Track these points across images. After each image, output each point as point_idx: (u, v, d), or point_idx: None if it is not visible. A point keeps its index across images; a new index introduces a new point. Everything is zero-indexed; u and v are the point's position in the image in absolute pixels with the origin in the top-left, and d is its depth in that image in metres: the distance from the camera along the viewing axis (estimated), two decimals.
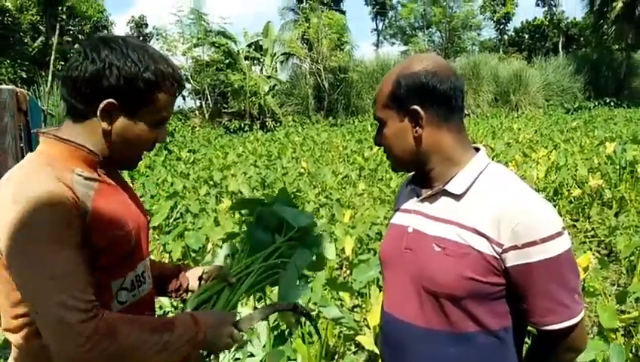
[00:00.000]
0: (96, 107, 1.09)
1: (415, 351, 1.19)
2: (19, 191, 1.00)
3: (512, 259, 1.07)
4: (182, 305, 1.43)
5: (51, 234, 0.98)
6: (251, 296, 1.46)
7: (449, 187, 1.17)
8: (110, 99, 1.08)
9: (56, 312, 0.94)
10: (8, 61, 10.44)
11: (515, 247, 1.06)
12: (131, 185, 1.39)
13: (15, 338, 1.10)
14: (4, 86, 3.91)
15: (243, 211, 1.44)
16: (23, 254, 0.98)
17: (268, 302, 1.48)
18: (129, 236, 1.15)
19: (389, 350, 1.27)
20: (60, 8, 18.18)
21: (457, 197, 1.16)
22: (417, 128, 1.17)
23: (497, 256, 1.08)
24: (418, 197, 1.25)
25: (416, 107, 1.15)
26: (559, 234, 1.07)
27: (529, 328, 1.19)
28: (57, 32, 14.06)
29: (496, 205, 1.10)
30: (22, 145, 3.96)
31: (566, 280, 1.09)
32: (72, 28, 21.31)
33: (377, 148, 11.55)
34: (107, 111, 1.10)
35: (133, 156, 1.21)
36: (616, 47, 26.02)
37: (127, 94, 1.09)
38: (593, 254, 4.36)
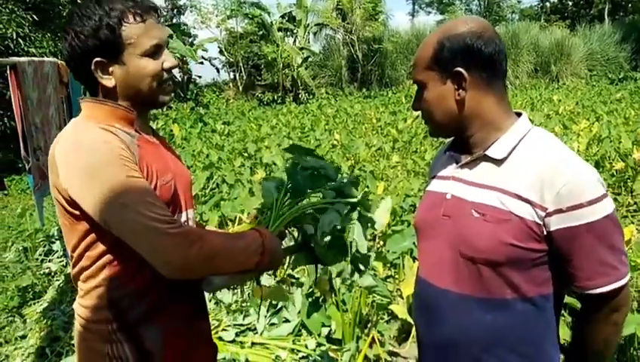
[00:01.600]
0: (93, 73, 1.18)
1: (451, 317, 1.19)
2: (73, 142, 1.12)
3: (556, 223, 1.06)
4: None
5: (116, 165, 1.08)
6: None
7: (490, 152, 1.16)
8: (95, 59, 1.16)
9: (152, 226, 1.05)
10: (49, 34, 10.67)
11: (559, 211, 1.05)
12: (173, 147, 1.46)
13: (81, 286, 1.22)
14: (46, 58, 4.01)
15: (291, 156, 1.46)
16: (101, 189, 1.06)
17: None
18: (169, 186, 1.23)
19: (424, 316, 1.28)
20: None
21: (498, 162, 1.15)
22: (460, 91, 1.15)
23: (540, 221, 1.07)
24: (457, 163, 1.24)
25: (460, 69, 1.13)
26: (604, 196, 1.06)
27: (565, 300, 1.19)
28: None
29: (539, 169, 1.08)
30: (64, 116, 4.08)
31: (613, 241, 1.08)
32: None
33: (412, 120, 11.47)
34: (100, 70, 1.18)
35: (151, 90, 1.23)
36: None
37: (102, 47, 1.15)
38: (637, 228, 4.23)
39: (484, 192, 1.14)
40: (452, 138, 1.30)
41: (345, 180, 1.42)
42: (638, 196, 5.47)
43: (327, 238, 1.34)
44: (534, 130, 1.18)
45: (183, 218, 1.30)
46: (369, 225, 1.40)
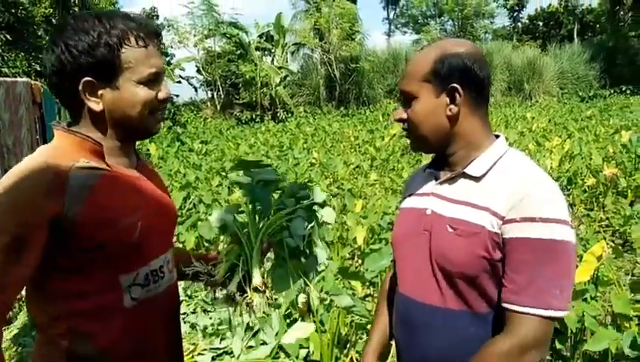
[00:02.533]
0: (79, 93, 1.08)
1: (434, 331, 1.19)
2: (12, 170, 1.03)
3: (508, 232, 1.08)
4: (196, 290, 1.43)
5: (9, 211, 0.98)
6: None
7: (469, 170, 1.19)
8: (85, 78, 1.06)
9: None
10: (22, 54, 10.53)
11: (513, 220, 1.07)
12: (158, 173, 1.37)
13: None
14: (18, 79, 3.96)
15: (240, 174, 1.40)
16: None
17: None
18: (132, 228, 1.10)
19: (405, 332, 1.28)
20: (72, 1, 18.26)
21: (476, 179, 1.18)
22: (452, 106, 1.17)
23: (499, 231, 1.09)
24: (436, 180, 1.26)
25: (456, 85, 1.16)
26: (562, 222, 1.06)
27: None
28: None
29: (512, 186, 1.11)
30: (37, 137, 4.02)
31: (556, 270, 1.06)
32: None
33: (389, 138, 11.58)
34: (89, 92, 1.08)
35: (142, 119, 1.14)
36: (633, 33, 25.52)
37: (96, 67, 1.06)
38: (607, 243, 4.32)
39: (460, 208, 1.16)
40: (432, 156, 1.32)
41: (291, 184, 1.42)
42: (610, 211, 5.59)
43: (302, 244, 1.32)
44: (511, 151, 1.21)
45: (157, 264, 1.19)
46: (322, 222, 1.39)
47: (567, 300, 1.06)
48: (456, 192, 1.20)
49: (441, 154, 1.25)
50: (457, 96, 1.16)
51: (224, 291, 1.26)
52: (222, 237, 1.37)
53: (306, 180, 7.60)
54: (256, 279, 1.22)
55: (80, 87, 1.07)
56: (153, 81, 1.14)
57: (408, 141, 1.28)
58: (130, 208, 1.12)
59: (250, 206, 1.32)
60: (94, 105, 1.09)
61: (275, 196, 1.37)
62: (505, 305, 1.08)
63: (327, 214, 1.39)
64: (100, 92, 1.09)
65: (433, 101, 1.18)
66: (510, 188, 1.10)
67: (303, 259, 1.35)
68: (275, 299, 3.06)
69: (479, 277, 1.11)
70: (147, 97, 1.13)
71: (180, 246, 4.63)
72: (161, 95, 1.16)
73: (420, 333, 1.22)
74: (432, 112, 1.18)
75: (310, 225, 1.34)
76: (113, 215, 1.07)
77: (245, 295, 1.23)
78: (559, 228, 1.05)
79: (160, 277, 1.19)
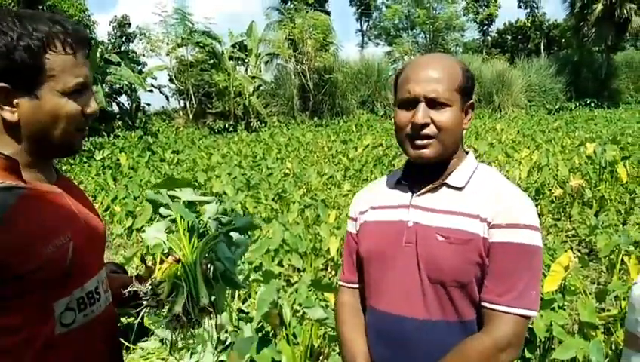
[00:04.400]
0: None
1: (420, 346, 1.19)
2: None
3: (495, 236, 1.14)
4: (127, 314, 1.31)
5: None
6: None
7: (451, 181, 1.23)
8: None
9: None
10: None
11: (499, 226, 1.14)
12: (80, 188, 1.25)
13: None
14: None
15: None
16: None
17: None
18: (63, 250, 0.99)
19: (388, 351, 1.24)
20: (40, 7, 17.91)
21: (459, 189, 1.22)
22: (466, 121, 1.24)
23: (487, 236, 1.15)
24: (414, 192, 1.27)
25: (473, 101, 1.24)
26: (538, 229, 1.16)
27: None
28: None
29: (492, 193, 1.19)
30: None
31: (534, 274, 1.16)
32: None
33: (362, 148, 11.63)
34: (2, 99, 0.96)
35: (64, 135, 1.03)
36: (597, 48, 26.41)
37: (12, 72, 0.94)
38: (574, 253, 4.42)
39: (448, 217, 1.19)
40: (400, 169, 1.34)
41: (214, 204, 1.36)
42: (576, 221, 5.73)
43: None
44: (482, 165, 1.29)
45: (92, 285, 1.09)
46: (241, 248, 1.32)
47: (539, 301, 1.15)
48: (440, 202, 1.22)
49: (436, 165, 1.24)
50: (471, 111, 1.24)
51: (167, 314, 1.15)
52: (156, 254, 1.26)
53: (280, 190, 7.57)
54: (204, 299, 1.14)
55: None
56: (79, 92, 1.02)
57: (412, 146, 1.21)
58: (57, 228, 1.00)
59: (182, 225, 1.23)
60: (8, 114, 0.97)
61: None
62: (486, 304, 1.14)
63: (241, 242, 1.30)
64: (15, 100, 0.96)
65: (460, 113, 1.21)
66: (494, 197, 1.17)
67: (227, 283, 1.26)
68: (247, 313, 3.00)
69: (470, 284, 1.16)
70: (72, 111, 1.02)
71: (150, 258, 4.54)
72: (89, 110, 1.05)
73: (405, 350, 1.21)
74: (458, 123, 1.21)
75: (236, 250, 1.28)
76: (37, 237, 0.95)
77: (190, 316, 1.14)
78: (537, 235, 1.15)
79: (96, 298, 1.10)
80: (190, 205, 1.31)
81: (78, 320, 1.04)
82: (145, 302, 1.16)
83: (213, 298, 1.20)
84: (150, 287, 1.17)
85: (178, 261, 1.19)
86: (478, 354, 1.11)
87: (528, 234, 1.13)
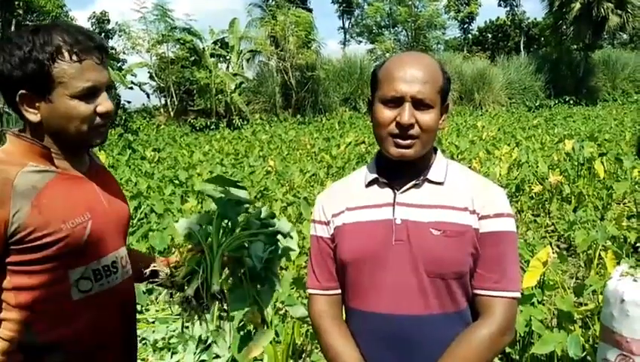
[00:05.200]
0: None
1: (423, 340, 1.18)
2: None
3: (484, 227, 1.20)
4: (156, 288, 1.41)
5: None
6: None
7: (431, 176, 1.26)
8: (20, 91, 1.12)
9: None
10: None
11: (487, 216, 1.20)
12: (113, 176, 1.45)
13: None
14: None
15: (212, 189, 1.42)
16: None
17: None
18: (81, 228, 1.18)
19: (390, 351, 1.21)
20: (16, 3, 17.55)
21: (441, 184, 1.26)
22: (441, 121, 1.26)
23: (478, 226, 1.20)
24: (396, 189, 1.25)
25: (449, 103, 1.28)
26: (514, 216, 1.25)
27: None
28: (13, 27, 13.54)
29: (471, 187, 1.25)
30: None
31: (517, 257, 1.25)
32: (30, 23, 20.56)
33: (345, 146, 11.65)
34: (26, 103, 1.14)
35: (79, 133, 1.19)
36: (575, 47, 26.82)
37: (28, 81, 1.11)
38: (553, 248, 4.49)
39: (439, 211, 1.21)
40: (372, 166, 1.33)
41: (262, 210, 1.43)
42: (555, 217, 5.82)
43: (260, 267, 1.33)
44: (450, 160, 1.34)
45: (109, 260, 1.26)
46: (283, 253, 1.42)
47: (521, 282, 1.26)
48: (427, 198, 1.23)
49: (412, 163, 1.24)
50: (445, 113, 1.28)
51: (180, 294, 1.26)
52: (185, 244, 1.35)
53: (262, 188, 7.54)
54: (215, 286, 1.23)
55: (17, 99, 1.14)
56: (90, 95, 1.17)
57: (396, 145, 1.21)
58: (78, 208, 1.19)
59: (217, 219, 1.33)
60: (32, 116, 1.16)
61: (242, 217, 1.39)
62: (484, 292, 1.20)
63: (290, 245, 1.42)
64: (37, 104, 1.15)
65: (438, 113, 1.23)
66: (476, 189, 1.23)
67: (259, 285, 1.37)
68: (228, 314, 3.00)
69: (467, 274, 1.20)
70: (84, 112, 1.17)
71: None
72: (100, 108, 1.19)
73: (408, 348, 1.19)
74: (437, 123, 1.23)
75: (269, 251, 1.35)
76: (60, 215, 1.14)
77: (201, 301, 1.23)
78: (514, 222, 1.24)
79: (113, 271, 1.27)
80: (239, 204, 1.39)
81: (95, 288, 1.22)
82: (160, 281, 1.28)
83: (252, 293, 1.33)
84: (169, 269, 1.29)
85: (202, 251, 1.28)
86: (486, 340, 1.16)
87: (511, 221, 1.22)
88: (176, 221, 1.47)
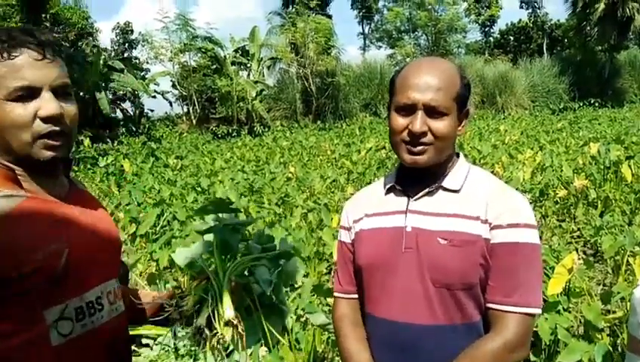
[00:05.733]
0: None
1: (428, 350, 1.18)
2: None
3: (496, 237, 1.15)
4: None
5: None
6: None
7: (447, 183, 1.24)
8: None
9: None
10: None
11: (500, 226, 1.15)
12: (100, 202, 1.25)
13: None
14: None
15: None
16: None
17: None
18: (55, 257, 0.98)
19: (395, 357, 1.23)
20: (43, 15, 18.02)
21: (456, 192, 1.23)
22: (460, 127, 1.25)
23: (489, 236, 1.16)
24: (410, 197, 1.26)
25: (469, 108, 1.25)
26: (537, 229, 1.18)
27: None
28: None
29: (488, 195, 1.20)
30: None
31: (536, 271, 1.17)
32: (57, 35, 21.12)
33: (365, 151, 11.62)
34: None
35: (22, 144, 0.99)
36: (599, 48, 26.32)
37: None
38: (579, 254, 4.39)
39: (447, 220, 1.19)
40: (393, 174, 1.33)
41: (259, 232, 1.40)
42: (581, 223, 5.70)
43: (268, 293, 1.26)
44: (474, 167, 1.30)
45: (92, 296, 1.06)
46: (289, 280, 1.36)
47: (542, 298, 1.17)
48: (439, 206, 1.21)
49: (429, 170, 1.24)
50: (465, 119, 1.25)
51: (187, 328, 1.18)
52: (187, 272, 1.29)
53: (283, 195, 7.57)
54: (229, 312, 1.15)
55: None
56: (26, 96, 0.97)
57: (408, 152, 1.21)
58: (49, 237, 0.99)
59: (218, 247, 1.28)
60: None
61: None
62: (494, 306, 1.15)
63: (292, 266, 1.35)
64: None
65: (456, 120, 1.22)
66: (492, 198, 1.18)
67: (269, 311, 1.29)
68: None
69: (476, 286, 1.16)
70: (20, 115, 0.97)
71: (154, 264, 4.54)
72: (42, 112, 0.98)
73: (413, 356, 1.20)
74: (454, 130, 1.22)
75: (276, 274, 1.29)
76: (28, 243, 0.95)
77: (215, 331, 1.15)
78: (536, 233, 1.17)
79: (98, 309, 1.07)
80: (235, 230, 1.33)
81: (76, 330, 1.02)
82: (166, 315, 1.19)
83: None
84: (175, 301, 1.20)
85: (208, 279, 1.21)
86: (490, 355, 1.11)
87: (528, 232, 1.15)
88: (174, 252, 1.37)
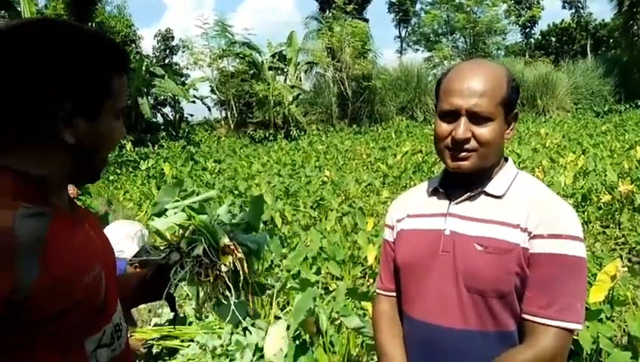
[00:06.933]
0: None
1: (460, 356, 1.17)
2: None
3: (536, 247, 1.12)
4: None
5: None
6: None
7: (490, 189, 1.22)
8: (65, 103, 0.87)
9: None
10: None
11: (540, 236, 1.12)
12: (92, 215, 1.10)
13: None
14: None
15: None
16: None
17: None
18: (97, 283, 0.90)
19: (425, 359, 1.24)
20: (89, 24, 18.70)
21: (499, 198, 1.21)
22: (509, 131, 1.23)
23: (527, 246, 1.13)
24: (452, 200, 1.25)
25: (517, 111, 1.23)
26: (581, 240, 1.13)
27: None
28: None
29: (532, 202, 1.17)
30: None
31: (578, 284, 1.12)
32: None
33: (401, 155, 11.53)
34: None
35: (104, 162, 0.98)
36: None
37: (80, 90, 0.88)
38: (623, 261, 4.24)
39: (486, 226, 1.17)
40: (439, 176, 1.33)
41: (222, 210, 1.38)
42: (626, 229, 5.50)
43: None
44: (522, 173, 1.27)
45: (118, 317, 0.99)
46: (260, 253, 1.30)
47: (583, 314, 1.12)
48: (479, 211, 1.20)
49: (475, 174, 1.22)
50: (514, 122, 1.23)
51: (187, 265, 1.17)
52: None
53: (318, 198, 7.60)
54: (224, 239, 1.16)
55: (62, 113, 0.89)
56: (122, 115, 0.98)
57: (452, 157, 1.20)
58: (90, 258, 0.90)
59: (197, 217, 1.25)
60: (68, 137, 0.87)
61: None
62: (528, 317, 1.12)
63: (262, 239, 1.29)
64: (75, 121, 0.87)
65: (503, 125, 1.20)
66: (535, 206, 1.15)
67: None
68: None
69: (510, 294, 1.14)
70: (121, 134, 0.97)
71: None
72: (120, 134, 0.98)
73: (443, 359, 1.20)
74: (500, 136, 1.20)
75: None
76: (75, 272, 0.85)
77: (213, 261, 1.15)
78: (581, 246, 1.12)
79: (120, 331, 1.00)
80: (201, 206, 1.31)
81: (109, 356, 0.95)
82: (168, 260, 1.17)
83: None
84: (169, 248, 1.19)
85: (194, 232, 1.19)
86: None
87: (571, 245, 1.11)
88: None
